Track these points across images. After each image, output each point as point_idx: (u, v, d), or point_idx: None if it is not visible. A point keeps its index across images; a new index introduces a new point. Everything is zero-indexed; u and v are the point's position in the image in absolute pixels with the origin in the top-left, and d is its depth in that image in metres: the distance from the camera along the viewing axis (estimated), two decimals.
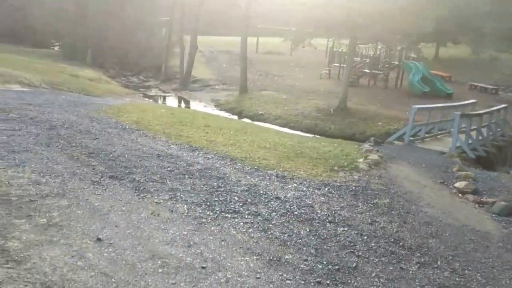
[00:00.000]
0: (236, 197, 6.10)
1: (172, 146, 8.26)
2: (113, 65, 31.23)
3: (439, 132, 14.49)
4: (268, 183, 6.78)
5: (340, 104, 19.76)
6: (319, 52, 41.28)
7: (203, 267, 4.21)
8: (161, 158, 7.28)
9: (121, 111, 12.44)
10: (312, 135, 16.99)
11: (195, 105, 22.25)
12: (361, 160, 8.79)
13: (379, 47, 27.48)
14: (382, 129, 17.85)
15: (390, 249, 5.19)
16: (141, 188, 5.87)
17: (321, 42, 42.62)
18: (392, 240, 5.45)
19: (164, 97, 24.69)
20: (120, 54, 32.04)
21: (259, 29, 37.80)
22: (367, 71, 26.40)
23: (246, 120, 19.54)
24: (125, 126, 9.96)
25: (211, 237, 4.86)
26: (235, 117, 20.05)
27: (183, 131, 9.73)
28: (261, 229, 5.23)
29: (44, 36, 35.88)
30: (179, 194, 5.87)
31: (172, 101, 23.88)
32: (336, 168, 7.88)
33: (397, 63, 26.66)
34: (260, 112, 20.45)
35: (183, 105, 22.68)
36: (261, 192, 6.39)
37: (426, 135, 13.75)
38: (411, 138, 13.02)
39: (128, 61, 32.43)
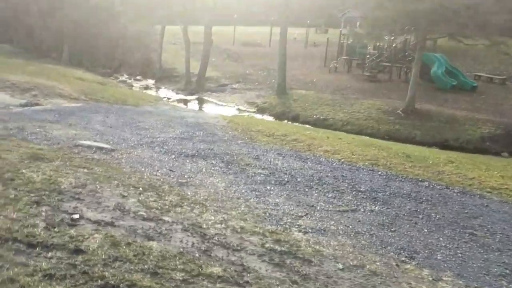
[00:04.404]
0: None
1: None
2: (90, 61, 26.60)
3: None
4: None
5: (409, 106, 18.14)
6: (297, 42, 39.39)
7: None
8: None
9: (281, 136, 9.73)
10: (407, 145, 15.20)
11: (233, 111, 19.11)
12: None
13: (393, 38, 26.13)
14: (475, 133, 16.56)
15: None
16: None
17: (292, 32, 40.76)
18: None
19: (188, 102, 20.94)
20: (93, 49, 27.42)
21: (235, 20, 34.88)
22: (387, 64, 25.06)
23: (307, 126, 17.10)
24: (385, 172, 7.34)
25: None
26: (298, 124, 17.50)
27: (438, 172, 7.38)
28: None
29: None
30: None
31: (211, 107, 20.00)
32: None
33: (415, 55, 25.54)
34: (322, 117, 18.14)
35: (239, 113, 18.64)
36: None
37: None
38: None
39: (102, 57, 27.92)
